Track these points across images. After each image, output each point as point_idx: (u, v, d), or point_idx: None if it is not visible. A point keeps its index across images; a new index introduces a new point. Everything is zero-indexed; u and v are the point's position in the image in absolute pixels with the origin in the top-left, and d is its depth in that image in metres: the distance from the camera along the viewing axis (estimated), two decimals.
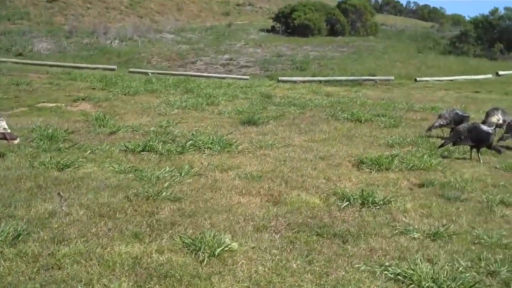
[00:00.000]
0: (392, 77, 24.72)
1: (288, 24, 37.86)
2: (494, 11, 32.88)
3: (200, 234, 4.78)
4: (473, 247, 5.07)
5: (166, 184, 6.27)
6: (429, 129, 10.90)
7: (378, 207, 6.00)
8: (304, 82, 23.48)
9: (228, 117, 12.06)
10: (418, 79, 24.84)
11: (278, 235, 5.02)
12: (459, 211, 6.07)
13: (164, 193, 5.87)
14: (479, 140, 8.80)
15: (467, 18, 42.73)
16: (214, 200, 5.88)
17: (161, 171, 6.87)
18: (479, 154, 8.82)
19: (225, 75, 24.56)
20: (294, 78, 23.93)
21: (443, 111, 11.78)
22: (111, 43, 31.59)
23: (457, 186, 7.03)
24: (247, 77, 24.25)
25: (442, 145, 9.05)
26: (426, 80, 24.92)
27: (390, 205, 6.07)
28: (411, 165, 7.88)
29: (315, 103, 14.67)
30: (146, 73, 22.93)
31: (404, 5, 69.84)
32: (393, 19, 54.23)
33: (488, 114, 11.31)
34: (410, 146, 9.63)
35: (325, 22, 37.62)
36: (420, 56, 30.52)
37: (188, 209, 5.51)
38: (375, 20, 39.76)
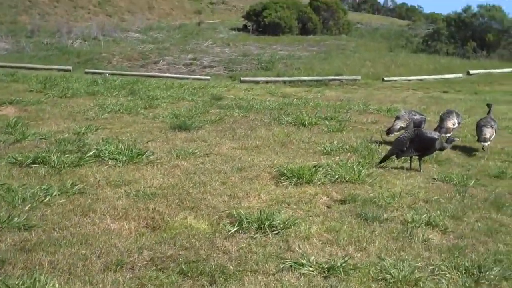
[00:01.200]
0: (359, 77, 23.88)
1: (259, 23, 36.91)
2: (467, 9, 32.10)
3: (19, 279, 3.79)
4: (374, 286, 4.14)
5: (27, 207, 5.28)
6: (389, 132, 9.97)
7: (276, 232, 5.06)
8: (267, 82, 22.64)
9: (161, 121, 11.08)
10: (385, 78, 24.02)
11: (129, 275, 4.06)
12: (374, 236, 5.15)
13: (16, 219, 4.88)
14: (424, 148, 7.86)
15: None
16: (75, 228, 4.91)
17: (35, 189, 5.88)
18: (421, 163, 7.89)
19: (186, 76, 23.60)
20: (257, 78, 23.06)
21: (401, 112, 10.85)
22: (72, 43, 30.49)
23: (382, 202, 6.10)
24: (209, 77, 23.30)
25: (383, 161, 8.02)
26: (394, 80, 24.11)
27: (291, 229, 5.13)
28: (337, 177, 6.94)
29: (264, 105, 13.72)
30: (103, 74, 21.97)
31: (382, 4, 69.09)
32: (369, 17, 53.48)
33: (442, 119, 10.44)
34: (348, 154, 8.71)
35: (296, 20, 36.72)
36: (391, 55, 29.69)
37: (34, 241, 4.53)
38: (347, 19, 38.87)
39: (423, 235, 5.20)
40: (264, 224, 5.10)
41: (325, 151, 8.75)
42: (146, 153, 7.82)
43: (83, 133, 9.39)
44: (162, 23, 40.44)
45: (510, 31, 31.39)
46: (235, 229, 5.02)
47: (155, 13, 44.87)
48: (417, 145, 7.77)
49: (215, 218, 5.35)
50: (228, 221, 5.26)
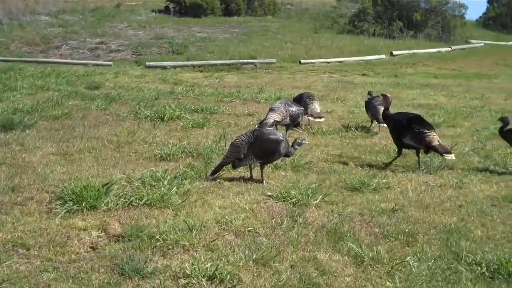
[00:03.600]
0: (274, 60, 22.17)
1: (181, 4, 34.83)
2: None
3: None
4: None
5: None
6: (260, 126, 8.23)
7: None
8: (175, 67, 20.79)
9: None
10: (303, 61, 22.41)
11: None
12: None
13: None
14: (266, 153, 6.12)
15: None
16: None
17: None
18: (264, 172, 6.17)
19: (87, 61, 21.50)
20: (164, 63, 21.20)
21: (275, 103, 9.03)
22: None
23: (170, 238, 4.35)
24: (111, 63, 21.28)
25: (215, 172, 6.15)
26: (312, 63, 22.50)
27: None
28: (133, 198, 5.15)
29: (136, 96, 11.90)
30: None
31: None
32: None
33: (307, 103, 8.96)
34: (190, 158, 6.96)
35: (219, 1, 34.69)
36: (314, 37, 28.02)
37: None
38: None
39: None
40: None
41: (162, 156, 6.98)
42: None
43: None
44: (81, 5, 37.94)
45: (438, 10, 30.07)
46: None
47: None
48: (258, 149, 6.03)
49: None
50: None
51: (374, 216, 5.08)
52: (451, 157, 6.76)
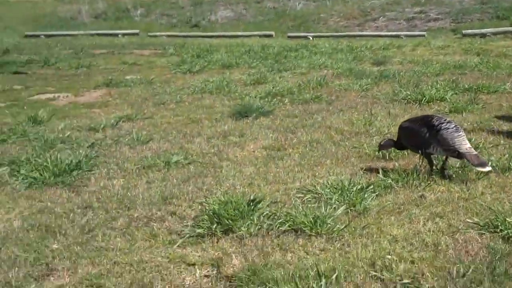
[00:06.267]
0: None
1: None
2: None
3: None
4: None
5: None
6: None
7: None
8: (495, 34, 18.82)
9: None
10: None
11: None
12: None
13: None
14: None
15: None
16: None
17: None
18: None
19: (399, 33, 20.46)
20: (483, 31, 19.21)
21: None
22: (298, 4, 28.32)
23: None
24: (424, 33, 19.78)
25: None
26: None
27: None
28: (279, 222, 3.93)
29: (417, 70, 10.40)
30: (306, 37, 20.22)
31: None
32: None
33: None
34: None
35: None
36: None
37: None
38: None
39: None
40: None
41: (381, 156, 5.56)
42: None
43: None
44: None
45: None
46: None
47: None
48: None
49: None
50: None
51: None
52: None
